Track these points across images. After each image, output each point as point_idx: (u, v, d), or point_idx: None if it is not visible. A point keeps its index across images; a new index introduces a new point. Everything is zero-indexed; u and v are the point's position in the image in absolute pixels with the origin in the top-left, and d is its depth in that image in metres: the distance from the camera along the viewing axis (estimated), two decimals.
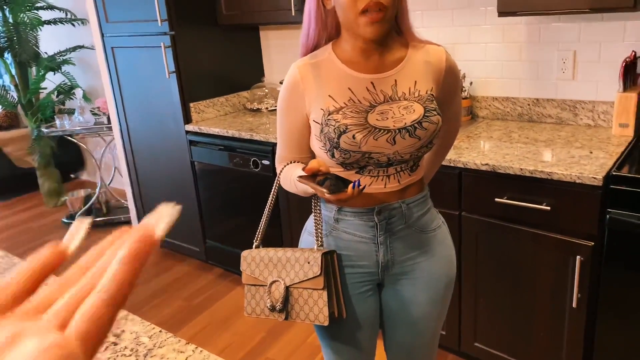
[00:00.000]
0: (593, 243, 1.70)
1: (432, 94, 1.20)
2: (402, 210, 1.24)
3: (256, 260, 1.26)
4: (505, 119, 2.44)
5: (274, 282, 1.23)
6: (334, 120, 1.15)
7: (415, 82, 1.19)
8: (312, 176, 1.11)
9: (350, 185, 1.05)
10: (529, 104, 2.35)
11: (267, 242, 1.33)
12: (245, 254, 1.29)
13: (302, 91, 1.21)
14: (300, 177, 1.10)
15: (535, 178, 1.76)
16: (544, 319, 1.89)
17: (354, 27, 1.13)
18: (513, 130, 2.25)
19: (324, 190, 1.04)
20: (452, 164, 1.92)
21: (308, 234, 1.33)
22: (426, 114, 1.17)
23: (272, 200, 1.31)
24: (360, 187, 1.05)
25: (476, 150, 1.99)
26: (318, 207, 1.24)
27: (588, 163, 1.75)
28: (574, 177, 1.68)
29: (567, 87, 2.25)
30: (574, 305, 1.78)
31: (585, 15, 2.10)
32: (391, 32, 1.19)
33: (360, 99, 1.17)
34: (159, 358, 0.92)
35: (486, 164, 1.85)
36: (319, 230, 1.22)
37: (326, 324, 1.17)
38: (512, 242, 1.89)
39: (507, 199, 1.84)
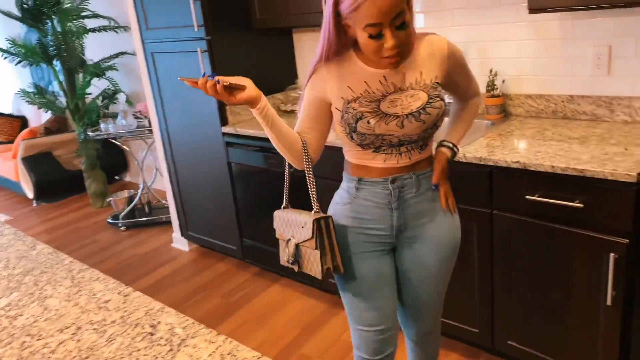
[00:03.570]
0: (628, 240, 1.68)
1: (436, 82, 1.39)
2: (412, 180, 1.44)
3: (281, 219, 1.48)
4: (539, 116, 2.41)
5: (288, 240, 1.45)
6: (352, 108, 1.36)
7: (421, 72, 1.37)
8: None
9: (201, 76, 1.25)
10: (563, 101, 2.32)
11: (302, 204, 1.50)
12: (275, 213, 1.51)
13: (326, 77, 1.39)
14: (183, 78, 1.27)
15: (568, 175, 1.75)
16: (579, 316, 1.87)
17: (376, 61, 1.32)
18: (547, 127, 2.22)
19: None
20: (482, 162, 1.93)
21: (335, 204, 1.53)
22: (429, 101, 1.36)
23: (289, 167, 1.51)
24: (214, 79, 1.23)
25: (508, 148, 1.99)
26: (311, 175, 1.43)
27: (623, 160, 1.73)
28: (607, 173, 1.65)
29: (603, 83, 2.20)
30: (609, 303, 1.75)
31: (620, 10, 2.06)
32: None
33: (374, 90, 1.36)
34: (191, 348, 0.98)
35: (517, 162, 1.84)
36: (313, 196, 1.42)
37: (320, 278, 1.38)
38: (544, 239, 1.87)
39: (538, 197, 1.83)
